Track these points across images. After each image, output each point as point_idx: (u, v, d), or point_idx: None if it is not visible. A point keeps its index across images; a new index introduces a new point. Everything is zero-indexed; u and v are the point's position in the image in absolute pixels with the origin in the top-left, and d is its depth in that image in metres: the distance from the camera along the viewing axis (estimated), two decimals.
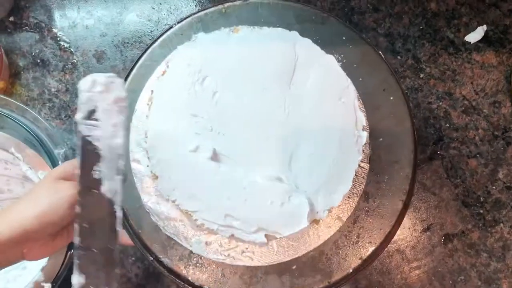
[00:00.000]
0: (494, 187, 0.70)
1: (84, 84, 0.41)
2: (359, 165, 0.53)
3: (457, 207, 0.70)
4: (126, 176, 0.47)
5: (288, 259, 0.50)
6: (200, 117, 0.53)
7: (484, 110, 0.72)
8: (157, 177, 0.52)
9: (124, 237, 0.52)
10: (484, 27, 0.73)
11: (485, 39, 0.74)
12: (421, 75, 0.73)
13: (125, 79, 0.55)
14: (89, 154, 0.41)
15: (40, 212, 0.43)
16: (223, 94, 0.54)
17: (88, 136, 0.41)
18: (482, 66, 0.73)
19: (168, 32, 0.57)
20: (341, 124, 0.54)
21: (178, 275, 0.50)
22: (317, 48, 0.56)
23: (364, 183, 0.53)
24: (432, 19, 0.75)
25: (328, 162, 0.52)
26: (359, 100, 0.55)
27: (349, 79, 0.55)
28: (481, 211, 0.70)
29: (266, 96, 0.54)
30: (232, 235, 0.50)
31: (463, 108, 0.72)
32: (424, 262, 0.69)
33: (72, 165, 0.48)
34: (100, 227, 0.42)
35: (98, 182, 0.42)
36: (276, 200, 0.51)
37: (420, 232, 0.70)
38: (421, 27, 0.75)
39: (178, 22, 0.57)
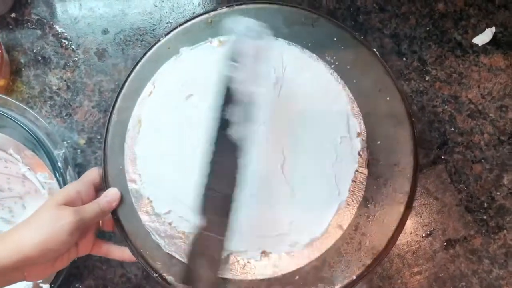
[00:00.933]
0: (498, 193, 0.69)
1: (239, 26, 0.43)
2: (357, 171, 0.52)
3: (460, 213, 0.69)
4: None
5: (290, 270, 0.50)
6: (187, 137, 0.53)
7: (491, 114, 0.71)
8: (151, 201, 0.52)
9: (127, 254, 0.52)
10: (493, 29, 0.72)
11: (494, 41, 0.72)
12: (427, 78, 0.72)
13: (116, 98, 0.55)
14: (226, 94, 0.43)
15: (41, 240, 0.44)
16: (209, 111, 0.53)
17: (229, 76, 0.43)
18: (489, 69, 0.72)
19: (156, 46, 0.56)
20: (334, 133, 0.53)
21: None
22: (305, 56, 0.55)
23: (364, 189, 0.52)
24: (440, 20, 0.73)
25: (322, 174, 0.52)
26: (353, 104, 0.53)
27: (340, 84, 0.54)
28: (485, 217, 0.69)
29: (253, 110, 0.53)
30: (232, 252, 0.50)
31: (469, 112, 0.71)
32: (425, 267, 0.68)
33: (75, 190, 0.49)
34: (225, 172, 0.43)
35: (228, 123, 0.43)
36: (269, 217, 0.50)
37: (422, 237, 0.69)
38: (428, 28, 0.73)
39: (166, 35, 0.56)
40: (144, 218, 0.51)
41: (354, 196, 0.52)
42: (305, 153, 0.52)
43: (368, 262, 0.50)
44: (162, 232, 0.51)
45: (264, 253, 0.50)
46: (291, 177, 0.52)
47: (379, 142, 0.53)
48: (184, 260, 0.50)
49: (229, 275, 0.50)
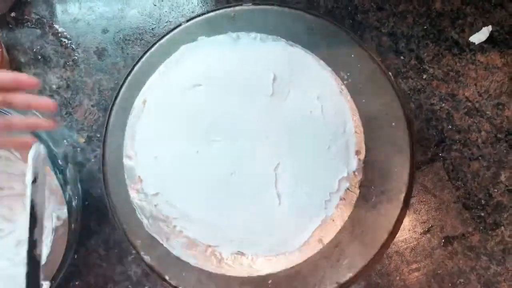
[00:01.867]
0: (495, 190, 0.70)
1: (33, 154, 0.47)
2: (348, 189, 0.52)
3: (458, 210, 0.70)
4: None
5: (265, 273, 0.50)
6: (188, 125, 0.53)
7: (487, 112, 0.71)
8: (142, 180, 0.52)
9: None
10: (490, 27, 0.72)
11: (490, 39, 0.72)
12: (424, 76, 0.72)
13: (127, 76, 0.55)
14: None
15: None
16: (214, 104, 0.54)
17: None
18: (486, 68, 0.72)
19: (175, 31, 0.56)
20: (332, 149, 0.53)
21: (157, 273, 0.50)
22: (319, 67, 0.55)
23: (352, 209, 0.52)
24: (437, 19, 0.74)
25: (313, 186, 0.52)
26: (356, 123, 0.53)
27: (349, 100, 0.54)
28: (482, 214, 0.69)
29: (257, 112, 0.53)
30: (209, 246, 0.50)
31: (466, 109, 0.71)
32: (423, 264, 0.69)
33: None
34: None
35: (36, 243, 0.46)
36: (257, 219, 0.50)
37: (420, 234, 0.69)
38: (425, 27, 0.74)
39: (187, 21, 0.56)
40: (133, 195, 0.52)
41: (341, 214, 0.51)
42: (299, 161, 0.52)
43: (342, 281, 0.50)
44: (148, 212, 0.51)
45: (239, 253, 0.50)
46: (280, 183, 0.52)
47: (376, 164, 0.53)
48: (165, 243, 0.50)
49: (208, 268, 0.50)
